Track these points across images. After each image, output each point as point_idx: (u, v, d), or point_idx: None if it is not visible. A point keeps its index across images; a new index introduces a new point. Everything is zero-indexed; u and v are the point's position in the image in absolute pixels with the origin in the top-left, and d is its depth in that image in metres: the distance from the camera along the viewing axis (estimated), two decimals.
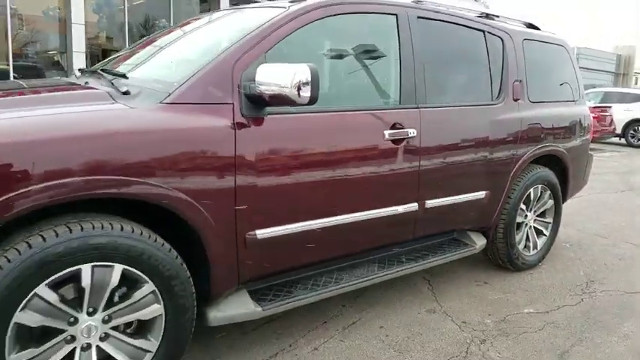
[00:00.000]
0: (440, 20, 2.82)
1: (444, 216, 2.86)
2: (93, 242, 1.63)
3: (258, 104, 2.00)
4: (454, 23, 2.91)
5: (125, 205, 1.81)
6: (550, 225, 3.67)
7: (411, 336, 2.53)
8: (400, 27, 2.59)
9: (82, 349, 1.72)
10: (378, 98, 2.60)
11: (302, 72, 1.84)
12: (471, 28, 3.02)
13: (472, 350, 2.42)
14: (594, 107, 11.67)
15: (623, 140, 13.62)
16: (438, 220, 2.85)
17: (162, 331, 1.86)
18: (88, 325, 1.70)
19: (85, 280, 1.65)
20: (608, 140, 13.68)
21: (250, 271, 2.11)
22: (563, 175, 3.69)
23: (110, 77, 2.13)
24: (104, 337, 1.76)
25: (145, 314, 1.81)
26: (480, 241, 3.15)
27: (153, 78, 2.05)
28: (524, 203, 3.38)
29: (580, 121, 3.79)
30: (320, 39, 2.34)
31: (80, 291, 1.67)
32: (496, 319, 2.77)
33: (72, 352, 1.70)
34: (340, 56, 2.46)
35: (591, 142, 4.09)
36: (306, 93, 1.86)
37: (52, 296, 1.60)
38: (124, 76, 2.12)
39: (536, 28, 3.68)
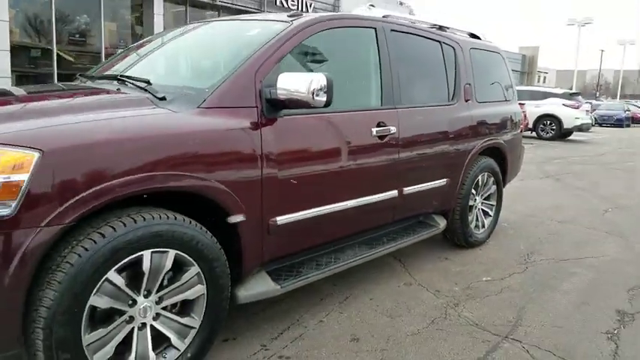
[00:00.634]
0: (407, 32, 3.25)
1: (417, 201, 3.30)
2: (154, 230, 1.85)
3: (276, 107, 2.29)
4: (418, 35, 3.36)
5: (162, 197, 2.02)
6: (494, 207, 4.26)
7: (398, 304, 2.94)
8: (379, 38, 2.98)
9: (139, 328, 1.93)
10: (365, 100, 2.96)
11: (320, 79, 2.16)
12: (430, 39, 3.49)
13: (449, 312, 2.87)
14: None
15: (534, 134, 15.13)
16: (412, 205, 3.29)
17: (204, 309, 2.10)
18: (145, 306, 1.91)
19: (145, 265, 1.86)
20: (522, 134, 15.12)
21: (270, 253, 2.40)
22: (502, 164, 4.30)
23: (135, 83, 2.31)
24: (156, 317, 1.97)
25: (190, 294, 2.05)
26: (442, 222, 3.64)
27: (183, 84, 2.25)
28: (474, 189, 3.93)
29: (514, 117, 4.43)
30: (318, 49, 2.65)
31: (140, 275, 1.88)
32: (462, 286, 3.25)
33: (129, 333, 1.91)
34: (334, 63, 2.79)
35: None
36: (322, 97, 2.19)
37: (119, 280, 1.80)
38: (147, 82, 2.31)
39: (478, 37, 4.24)
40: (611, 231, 4.74)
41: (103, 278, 1.75)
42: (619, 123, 26.10)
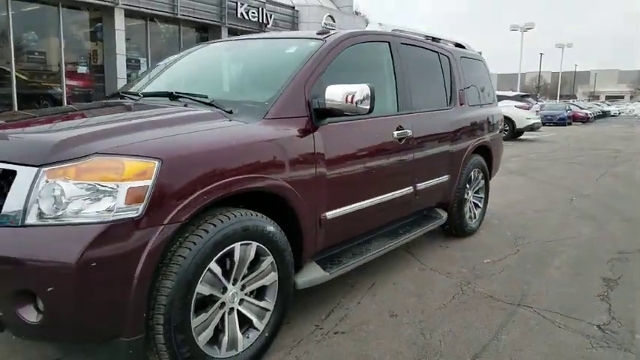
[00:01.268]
0: (412, 45, 3.67)
1: (426, 195, 3.71)
2: (244, 225, 2.13)
3: (322, 115, 2.62)
4: (421, 47, 3.79)
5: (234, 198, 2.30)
6: (483, 199, 4.75)
7: (419, 286, 3.32)
8: (392, 51, 3.38)
9: (228, 312, 2.20)
10: (387, 106, 3.33)
11: (364, 89, 2.52)
12: (430, 50, 3.93)
13: (465, 289, 3.28)
14: None
15: None
16: (423, 199, 3.69)
17: (277, 293, 2.40)
18: (233, 292, 2.19)
19: (236, 256, 2.15)
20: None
21: (321, 245, 2.72)
22: (489, 160, 4.80)
23: (200, 99, 2.57)
24: (240, 302, 2.26)
25: (266, 281, 2.34)
26: (444, 215, 4.08)
27: (243, 99, 2.55)
28: (467, 183, 4.39)
29: (497, 118, 4.95)
30: (348, 62, 2.99)
31: (231, 265, 2.16)
32: (468, 268, 3.68)
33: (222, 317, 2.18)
34: (360, 74, 3.15)
35: None
36: (366, 105, 2.54)
37: (217, 270, 2.08)
38: (205, 96, 2.59)
39: (463, 47, 4.73)
40: (581, 216, 5.35)
41: (207, 268, 2.02)
42: (562, 122, 27.89)
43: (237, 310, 2.24)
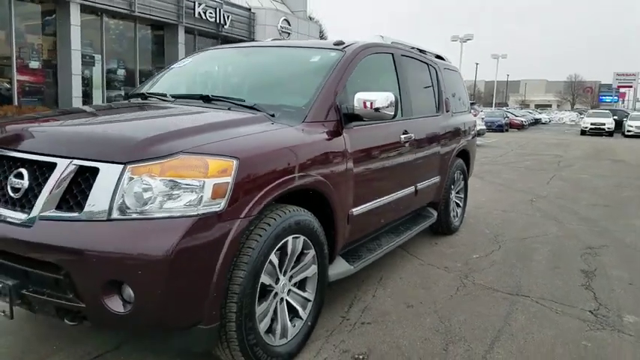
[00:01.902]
0: (410, 57, 3.95)
1: (423, 194, 3.99)
2: (296, 220, 2.29)
3: (350, 119, 2.82)
4: (416, 59, 4.08)
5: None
6: (463, 199, 5.13)
7: (423, 280, 3.59)
8: (395, 61, 3.64)
9: (279, 302, 2.35)
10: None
11: (389, 97, 2.74)
12: (422, 61, 4.23)
13: (465, 282, 3.58)
14: None
15: None
16: (421, 198, 3.97)
17: (316, 284, 2.56)
18: (284, 283, 2.34)
19: (289, 248, 2.30)
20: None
21: (346, 240, 2.91)
22: (467, 163, 5.18)
23: (231, 101, 2.69)
24: (288, 293, 2.40)
25: (309, 273, 2.50)
26: (435, 213, 4.39)
27: (280, 103, 2.69)
28: (452, 184, 4.73)
29: (472, 125, 5.35)
30: (363, 70, 3.21)
31: (282, 257, 2.30)
32: (462, 263, 4.00)
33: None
34: (374, 81, 3.37)
35: None
36: (391, 111, 2.77)
37: (276, 261, 2.22)
38: (242, 100, 2.71)
39: (442, 58, 5.08)
40: (544, 215, 5.87)
41: (268, 260, 2.16)
42: (500, 128, 29.59)
43: (286, 300, 2.39)
